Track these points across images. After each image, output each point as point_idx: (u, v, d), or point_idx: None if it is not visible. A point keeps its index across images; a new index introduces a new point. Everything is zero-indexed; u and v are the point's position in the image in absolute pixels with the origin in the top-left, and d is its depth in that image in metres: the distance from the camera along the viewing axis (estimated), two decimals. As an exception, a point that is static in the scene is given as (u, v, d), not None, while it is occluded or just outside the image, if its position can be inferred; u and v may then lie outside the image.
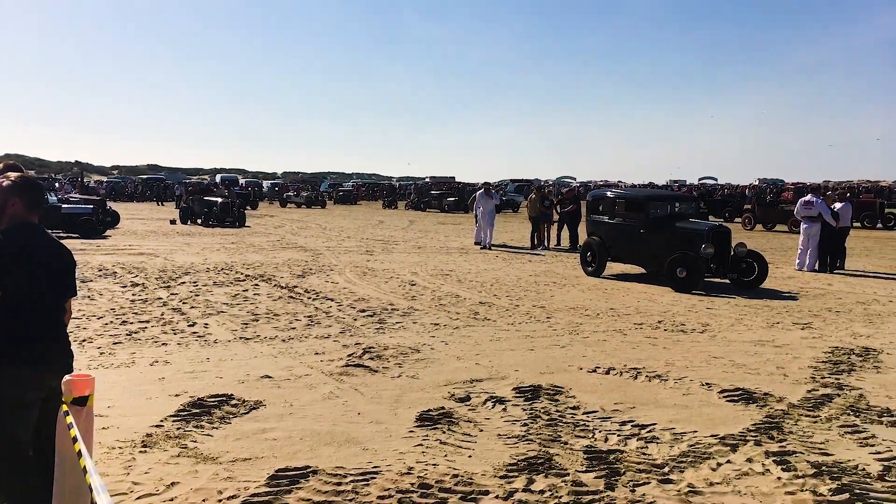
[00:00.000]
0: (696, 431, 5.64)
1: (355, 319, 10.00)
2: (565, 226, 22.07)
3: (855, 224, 30.51)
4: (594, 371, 7.46)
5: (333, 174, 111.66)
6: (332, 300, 11.54)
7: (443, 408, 6.16)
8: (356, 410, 6.10)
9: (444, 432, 5.58)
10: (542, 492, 4.51)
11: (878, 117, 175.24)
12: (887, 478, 4.76)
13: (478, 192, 22.97)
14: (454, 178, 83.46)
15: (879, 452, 5.23)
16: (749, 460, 5.05)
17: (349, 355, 7.94)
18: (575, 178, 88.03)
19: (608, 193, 15.96)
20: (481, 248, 20.78)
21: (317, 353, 8.05)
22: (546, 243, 21.66)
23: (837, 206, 16.26)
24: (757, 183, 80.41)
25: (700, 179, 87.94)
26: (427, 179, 79.40)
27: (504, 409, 6.16)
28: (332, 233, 26.82)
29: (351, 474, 4.74)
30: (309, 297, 11.74)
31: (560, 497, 4.43)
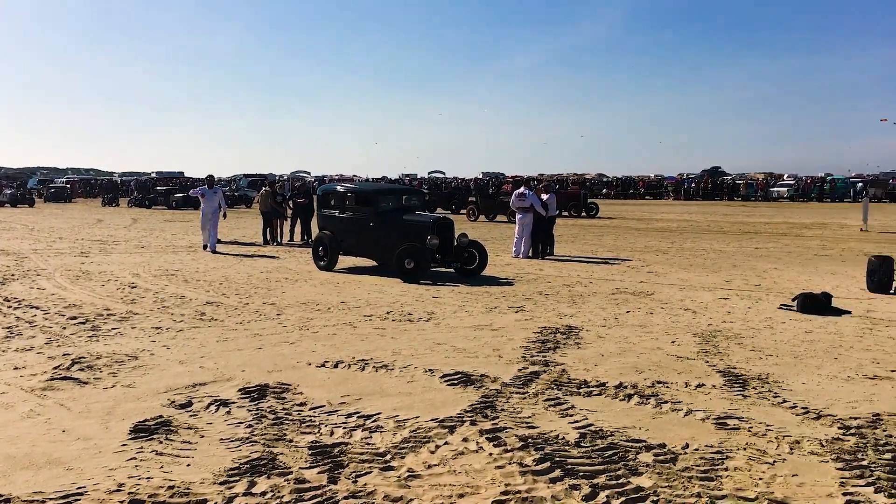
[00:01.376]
0: (418, 417, 5.86)
1: (64, 328, 9.16)
2: (298, 220, 21.91)
3: (563, 213, 33.64)
4: (323, 366, 7.48)
5: (44, 169, 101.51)
6: (37, 308, 10.47)
7: (161, 416, 5.83)
8: (61, 428, 5.58)
9: (160, 442, 5.28)
10: (263, 493, 4.43)
11: (582, 116, 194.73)
12: (583, 444, 5.27)
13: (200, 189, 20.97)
14: (182, 173, 79.58)
15: (577, 421, 5.78)
16: (465, 440, 5.34)
17: (55, 368, 7.25)
18: (310, 173, 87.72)
19: (338, 188, 16.08)
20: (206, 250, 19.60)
21: (16, 368, 7.25)
22: (280, 239, 21.37)
23: (544, 197, 17.75)
24: (480, 176, 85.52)
25: (429, 173, 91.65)
26: (153, 174, 74.91)
27: (228, 412, 5.97)
28: (41, 234, 24.36)
29: (51, 499, 4.32)
30: (9, 307, 10.55)
31: (282, 497, 4.38)
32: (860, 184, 58.86)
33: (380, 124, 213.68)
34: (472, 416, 5.86)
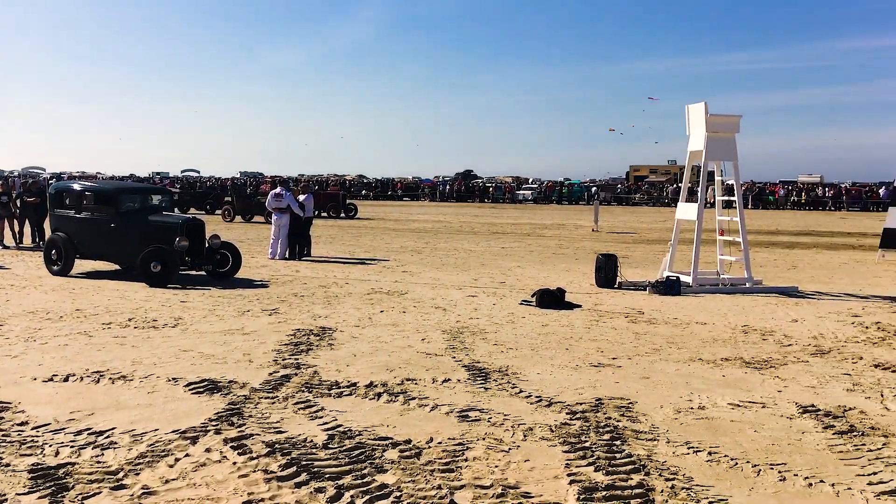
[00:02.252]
0: (157, 430, 5.54)
1: None
2: (27, 221, 19.88)
3: (322, 214, 33.60)
4: (50, 380, 6.84)
5: None
6: None
7: None
8: None
9: None
10: (-30, 528, 3.95)
11: (343, 117, 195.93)
12: (330, 445, 5.27)
13: None
14: None
15: (326, 423, 5.78)
16: (208, 450, 5.13)
17: None
18: (45, 169, 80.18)
19: (74, 186, 14.83)
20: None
21: None
22: (4, 242, 19.27)
23: (301, 197, 17.60)
24: (238, 176, 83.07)
25: (183, 171, 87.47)
26: None
27: (-70, 439, 5.26)
28: None
29: None
30: None
31: (-7, 529, 3.94)
32: (594, 188, 64.61)
33: (128, 118, 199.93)
34: (216, 425, 5.65)
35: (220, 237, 14.24)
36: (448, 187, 68.15)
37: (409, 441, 5.38)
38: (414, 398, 6.49)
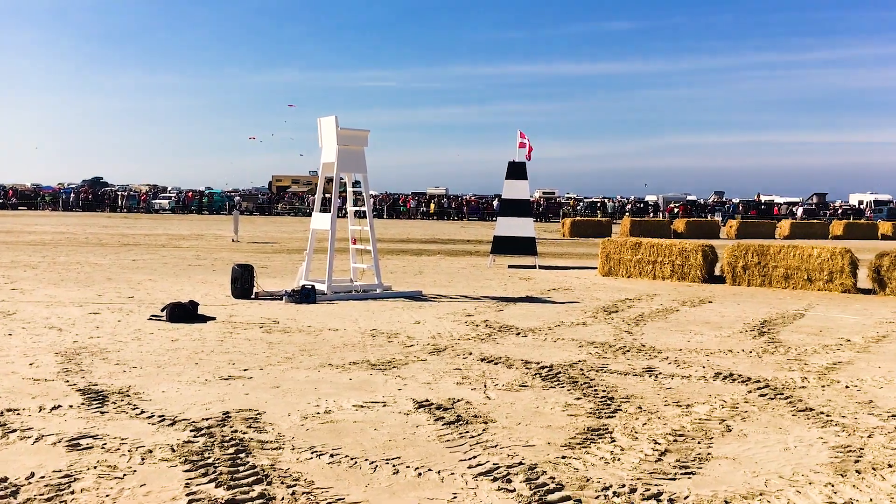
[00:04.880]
0: None
1: None
2: None
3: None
4: None
5: None
6: None
7: None
8: None
9: None
10: None
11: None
12: None
13: None
14: None
15: None
16: None
17: None
18: None
19: None
20: None
21: None
22: None
23: None
24: None
25: None
26: None
27: None
28: None
29: None
30: None
31: None
32: (236, 198, 63.68)
33: None
34: None
35: None
36: (73, 195, 62.37)
37: (4, 479, 4.77)
38: (15, 430, 5.79)
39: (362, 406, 6.79)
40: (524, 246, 21.15)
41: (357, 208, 15.17)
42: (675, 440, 5.99)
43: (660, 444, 5.87)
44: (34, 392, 6.94)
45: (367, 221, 14.63)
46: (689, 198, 76.90)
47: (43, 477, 4.86)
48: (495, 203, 60.73)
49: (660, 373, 8.40)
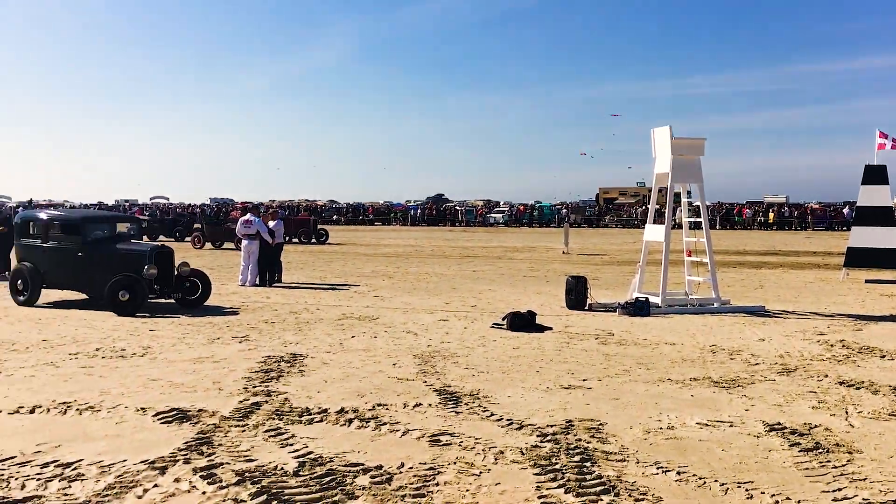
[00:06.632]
0: (125, 460, 5.48)
1: None
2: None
3: (293, 240, 33.52)
4: (16, 412, 6.74)
5: None
6: None
7: None
8: None
9: None
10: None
11: (314, 141, 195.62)
12: (301, 472, 5.25)
13: None
14: None
15: (297, 450, 5.75)
16: (177, 480, 5.09)
17: None
18: (10, 198, 79.13)
19: (40, 215, 14.68)
20: None
21: None
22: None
23: (271, 223, 17.56)
24: (209, 202, 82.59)
25: (152, 199, 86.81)
26: None
27: None
28: None
29: None
30: None
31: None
32: (564, 210, 65.13)
33: (97, 145, 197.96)
34: (186, 455, 5.60)
35: (190, 265, 14.15)
36: (419, 211, 68.35)
37: (380, 467, 5.38)
38: (385, 423, 6.49)
39: (707, 424, 6.55)
40: (886, 258, 18.90)
41: (692, 219, 14.70)
42: None
43: None
44: (399, 390, 7.71)
45: (703, 232, 14.10)
46: None
47: (411, 468, 5.38)
48: (845, 211, 55.01)
49: None
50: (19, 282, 13.89)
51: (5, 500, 4.71)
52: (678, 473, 5.29)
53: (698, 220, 14.36)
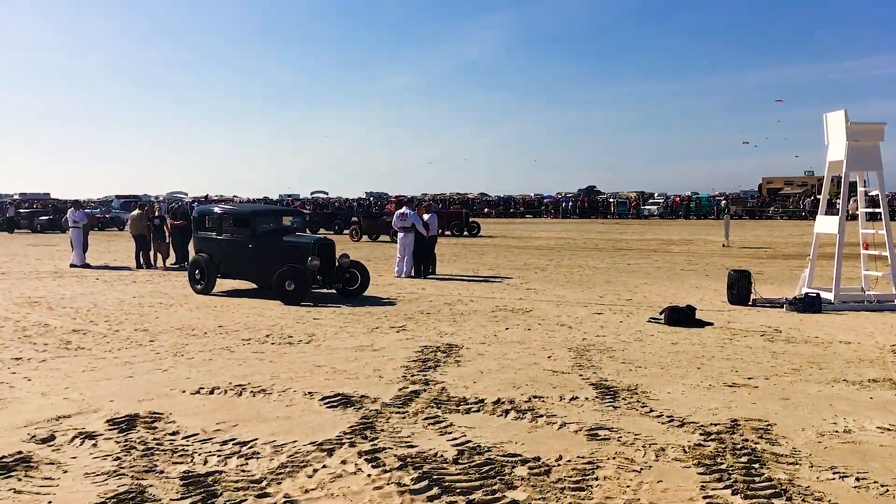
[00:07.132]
0: (296, 441, 5.78)
1: (-89, 362, 8.51)
2: (172, 243, 21.19)
3: (446, 233, 34.06)
4: (197, 393, 7.27)
5: None
6: None
7: (20, 452, 5.51)
8: None
9: (19, 480, 4.99)
10: (131, 528, 4.26)
11: (464, 135, 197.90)
12: (460, 461, 5.34)
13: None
14: (48, 194, 75.77)
15: (455, 438, 5.86)
16: (343, 462, 5.32)
17: None
18: (187, 194, 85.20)
19: (215, 209, 15.72)
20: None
21: None
22: (154, 262, 20.60)
23: (426, 216, 17.92)
24: (364, 196, 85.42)
25: (312, 193, 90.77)
26: (15, 196, 70.72)
27: (94, 445, 5.71)
28: None
29: None
30: None
31: (151, 530, 4.23)
32: (723, 202, 62.42)
33: (261, 144, 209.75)
34: (351, 438, 5.83)
35: (349, 256, 14.70)
36: (571, 204, 67.63)
37: (538, 458, 5.38)
38: (542, 415, 6.48)
39: (889, 429, 6.09)
40: None
41: (869, 210, 13.68)
42: None
43: None
44: (554, 382, 7.68)
45: (883, 224, 13.09)
46: None
47: (569, 461, 5.35)
48: None
49: None
50: (197, 271, 14.94)
51: (190, 473, 5.09)
52: (857, 479, 4.96)
53: (877, 210, 13.35)
